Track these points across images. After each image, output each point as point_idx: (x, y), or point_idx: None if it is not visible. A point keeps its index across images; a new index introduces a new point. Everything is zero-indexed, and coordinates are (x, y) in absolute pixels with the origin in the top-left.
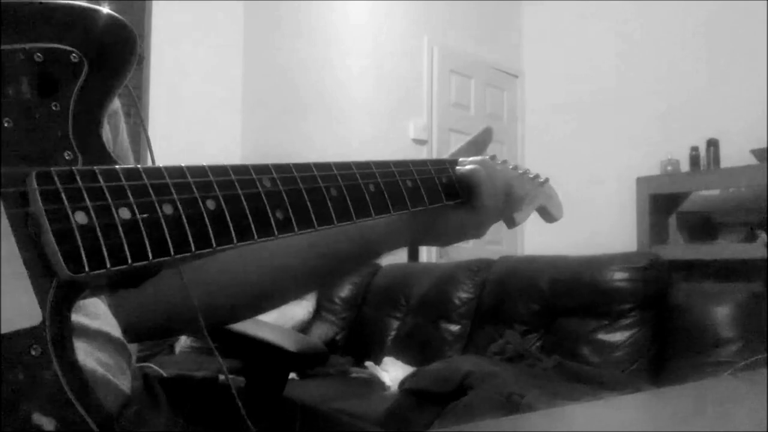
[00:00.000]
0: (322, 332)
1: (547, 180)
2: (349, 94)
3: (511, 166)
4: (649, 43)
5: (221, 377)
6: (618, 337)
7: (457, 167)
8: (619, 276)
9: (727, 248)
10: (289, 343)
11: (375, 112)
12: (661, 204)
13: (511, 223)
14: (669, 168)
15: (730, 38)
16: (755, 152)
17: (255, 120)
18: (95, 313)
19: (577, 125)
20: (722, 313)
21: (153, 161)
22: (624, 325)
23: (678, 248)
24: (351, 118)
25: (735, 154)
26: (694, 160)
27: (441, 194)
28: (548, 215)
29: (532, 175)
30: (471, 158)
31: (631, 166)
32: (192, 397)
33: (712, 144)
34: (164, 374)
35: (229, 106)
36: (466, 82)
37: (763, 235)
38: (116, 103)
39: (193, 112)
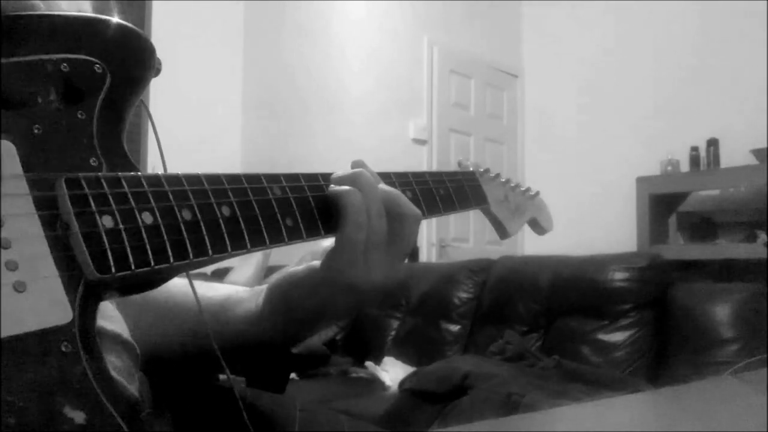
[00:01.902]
0: (322, 332)
1: (537, 193)
2: (349, 94)
3: (503, 180)
4: (649, 42)
5: (222, 377)
6: (618, 337)
7: (335, 176)
8: (619, 276)
9: (727, 248)
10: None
11: (375, 112)
12: (661, 204)
13: (504, 234)
14: (669, 168)
15: (731, 38)
16: (755, 152)
17: (255, 120)
18: (109, 315)
19: (577, 125)
20: (722, 313)
21: (165, 167)
22: (624, 325)
23: (678, 248)
24: (351, 118)
25: (735, 154)
26: (694, 160)
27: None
28: (539, 227)
29: (523, 188)
30: (346, 172)
31: (631, 166)
32: (192, 398)
33: (712, 144)
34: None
35: (229, 106)
36: (466, 82)
37: (763, 235)
38: None
39: (193, 112)
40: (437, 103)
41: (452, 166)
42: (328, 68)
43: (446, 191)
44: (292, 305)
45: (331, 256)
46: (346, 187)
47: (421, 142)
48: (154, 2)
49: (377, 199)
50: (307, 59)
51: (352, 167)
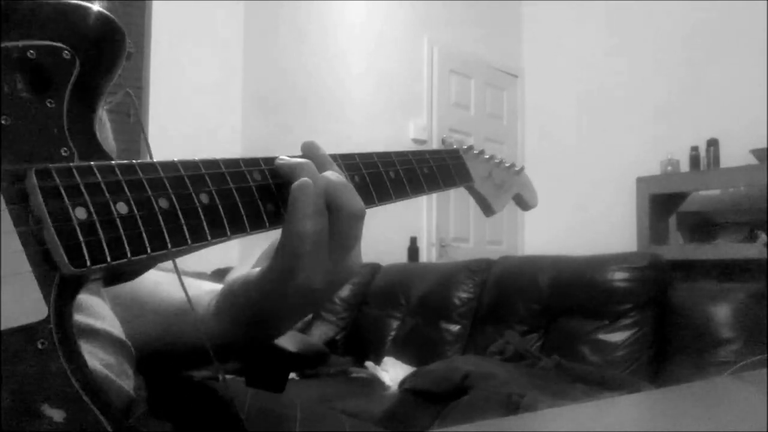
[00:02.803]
0: (322, 332)
1: (522, 168)
2: (348, 94)
3: (487, 156)
4: (649, 42)
5: (221, 377)
6: (618, 337)
7: (278, 163)
8: (619, 276)
9: (727, 248)
10: (289, 343)
11: (375, 112)
12: (661, 204)
13: (489, 212)
14: (669, 168)
15: (730, 38)
16: (755, 152)
17: (255, 120)
18: (100, 313)
19: (576, 125)
20: (722, 313)
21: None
22: (624, 325)
23: (678, 248)
24: (351, 118)
25: (735, 154)
26: (694, 160)
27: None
28: (524, 203)
29: (507, 164)
30: (288, 160)
31: (631, 166)
32: (191, 399)
33: (712, 144)
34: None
35: (229, 106)
36: (466, 82)
37: (763, 235)
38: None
39: (193, 112)
40: (437, 103)
41: None
42: (328, 68)
43: (430, 170)
44: (237, 308)
45: (274, 257)
46: (298, 170)
47: (420, 142)
48: (154, 2)
49: (318, 194)
50: (307, 59)
51: (302, 150)
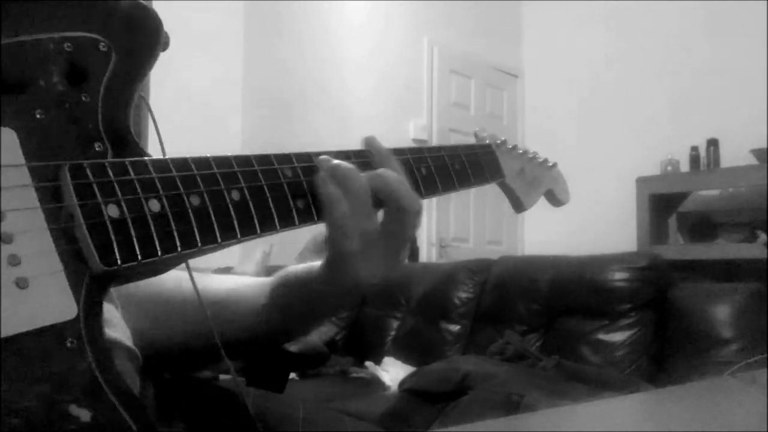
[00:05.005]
0: (322, 332)
1: (555, 164)
2: (349, 94)
3: (520, 151)
4: (649, 42)
5: (222, 378)
6: (618, 337)
7: (322, 158)
8: (619, 276)
9: (727, 248)
10: (290, 343)
11: (375, 112)
12: (661, 204)
13: (519, 208)
14: (669, 168)
15: (731, 38)
16: (755, 152)
17: (255, 120)
18: (111, 321)
19: (577, 125)
20: (722, 313)
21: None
22: (624, 325)
23: (678, 248)
24: (351, 119)
25: (735, 154)
26: (694, 160)
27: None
28: (555, 199)
29: (540, 159)
30: (332, 161)
31: (631, 166)
32: (193, 399)
33: (712, 144)
34: (165, 375)
35: (229, 107)
36: (466, 82)
37: (763, 235)
38: None
39: (193, 112)
40: (437, 103)
41: None
42: (329, 69)
43: (461, 166)
44: (293, 304)
45: (328, 257)
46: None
47: (421, 142)
48: (153, 2)
49: (362, 195)
50: (308, 60)
51: (363, 144)
